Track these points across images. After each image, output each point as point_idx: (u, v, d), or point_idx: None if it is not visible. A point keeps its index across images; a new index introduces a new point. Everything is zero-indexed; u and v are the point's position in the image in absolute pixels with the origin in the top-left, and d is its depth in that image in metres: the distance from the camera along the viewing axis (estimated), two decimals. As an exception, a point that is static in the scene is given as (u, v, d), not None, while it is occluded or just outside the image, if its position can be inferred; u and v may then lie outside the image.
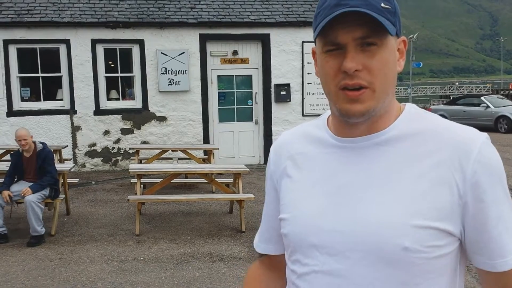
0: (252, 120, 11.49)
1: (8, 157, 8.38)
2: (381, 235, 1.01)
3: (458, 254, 1.07)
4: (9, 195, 5.87)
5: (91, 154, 10.75)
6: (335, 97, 1.06)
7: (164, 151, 9.18)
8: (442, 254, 1.02)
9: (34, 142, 6.30)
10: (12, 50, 10.29)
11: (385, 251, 1.01)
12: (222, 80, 11.32)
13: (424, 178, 1.02)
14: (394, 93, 1.10)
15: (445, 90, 60.67)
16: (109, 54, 10.76)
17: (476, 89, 54.69)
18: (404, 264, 1.01)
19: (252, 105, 11.46)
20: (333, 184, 1.10)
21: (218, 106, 11.34)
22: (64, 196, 6.80)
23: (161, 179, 7.19)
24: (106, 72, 10.74)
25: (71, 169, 7.29)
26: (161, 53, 10.68)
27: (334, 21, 0.99)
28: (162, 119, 10.92)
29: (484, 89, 52.23)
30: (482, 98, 19.78)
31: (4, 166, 6.97)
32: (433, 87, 64.48)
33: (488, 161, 1.02)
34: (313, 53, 1.13)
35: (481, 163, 1.02)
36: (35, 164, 6.20)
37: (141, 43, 10.69)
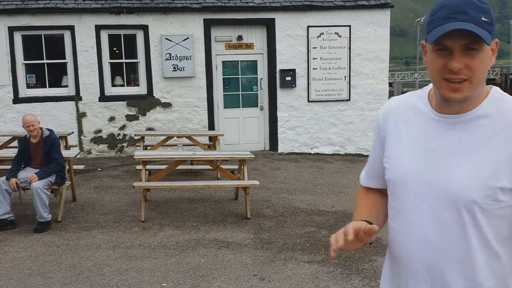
0: (257, 106, 11.45)
1: (14, 144, 8.43)
2: (456, 188, 1.39)
3: None
4: (16, 183, 5.91)
5: (96, 140, 10.78)
6: (440, 85, 1.40)
7: (169, 137, 9.19)
8: (505, 206, 1.38)
9: (41, 129, 6.32)
10: (18, 37, 10.27)
11: (458, 200, 1.39)
12: (227, 65, 11.28)
13: (494, 150, 1.37)
14: (485, 82, 1.43)
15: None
16: (114, 40, 10.72)
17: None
18: (471, 211, 1.38)
19: (257, 91, 11.42)
20: (426, 147, 1.47)
21: (223, 92, 11.31)
22: (70, 182, 6.83)
23: (166, 166, 7.21)
24: (110, 58, 10.71)
25: (77, 155, 7.31)
26: (166, 38, 10.63)
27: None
28: (167, 105, 10.91)
29: (492, 74, 51.71)
30: None
31: (11, 152, 7.02)
32: (440, 71, 63.77)
33: None
34: (423, 46, 1.47)
35: None
36: (41, 151, 6.22)
37: (145, 28, 10.64)
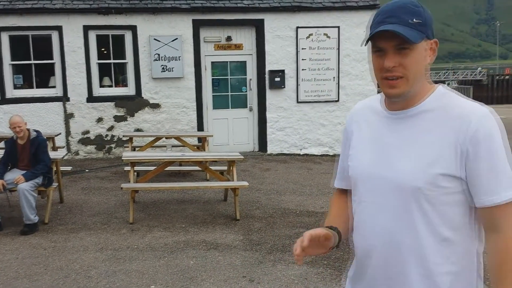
0: (247, 107, 11.43)
1: (1, 145, 8.34)
2: (404, 178, 1.50)
3: (468, 195, 1.50)
4: (2, 184, 5.84)
5: (84, 141, 10.70)
6: (381, 83, 1.54)
7: (158, 138, 9.15)
8: (449, 192, 1.48)
9: (28, 130, 6.25)
10: (5, 37, 10.17)
11: (406, 189, 1.50)
12: (216, 66, 11.25)
13: (437, 140, 1.48)
14: (424, 79, 1.55)
15: (440, 75, 60.63)
16: (102, 41, 10.65)
17: (471, 75, 54.60)
18: (419, 198, 1.49)
19: (246, 91, 11.40)
20: (381, 143, 1.60)
21: (212, 92, 11.27)
22: (57, 184, 6.77)
23: (155, 167, 7.17)
24: (98, 59, 10.64)
25: (64, 156, 7.25)
26: (154, 39, 10.58)
27: (378, 34, 1.47)
28: (156, 106, 10.86)
29: (479, 75, 52.13)
30: None
31: (-3, 154, 6.93)
32: (428, 73, 64.19)
33: (481, 129, 1.45)
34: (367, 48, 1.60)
35: (476, 131, 1.44)
36: (29, 152, 6.16)
37: (133, 29, 10.59)
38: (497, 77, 47.79)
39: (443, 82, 51.48)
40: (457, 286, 1.53)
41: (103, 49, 10.74)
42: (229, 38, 11.10)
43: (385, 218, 1.56)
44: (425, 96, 1.55)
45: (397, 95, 1.52)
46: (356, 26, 11.36)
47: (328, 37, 11.23)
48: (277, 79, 11.19)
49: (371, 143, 1.63)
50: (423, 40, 1.47)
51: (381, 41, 1.48)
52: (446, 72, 63.35)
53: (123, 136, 10.20)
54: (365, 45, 1.54)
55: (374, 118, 1.66)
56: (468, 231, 1.53)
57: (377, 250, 1.58)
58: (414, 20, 1.46)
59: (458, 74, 57.42)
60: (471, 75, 53.93)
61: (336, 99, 11.53)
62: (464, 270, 1.54)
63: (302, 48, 11.18)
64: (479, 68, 58.25)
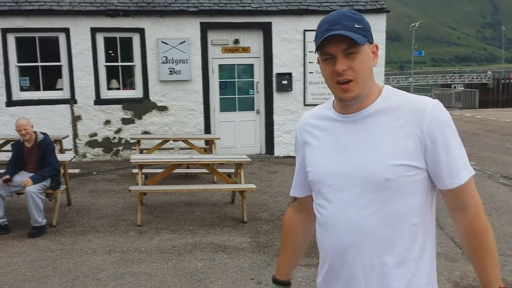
0: (254, 110, 11.41)
1: (8, 147, 8.34)
2: (369, 172, 1.57)
3: (427, 182, 1.61)
4: (6, 179, 5.82)
5: (91, 144, 10.70)
6: (333, 89, 1.62)
7: (165, 141, 9.14)
8: (413, 180, 1.57)
9: (35, 132, 6.24)
10: (11, 39, 10.19)
11: (373, 182, 1.57)
12: (223, 69, 11.24)
13: (396, 134, 1.57)
14: (372, 81, 1.63)
15: (446, 79, 60.43)
16: (109, 43, 10.66)
17: (476, 78, 54.35)
18: (386, 189, 1.56)
19: (253, 94, 11.38)
20: (338, 145, 1.66)
21: (219, 95, 11.26)
22: (65, 186, 6.76)
23: (163, 170, 7.15)
24: (106, 61, 10.65)
25: (71, 159, 7.24)
26: (162, 42, 10.59)
27: (326, 41, 1.55)
28: (163, 108, 10.85)
29: (485, 78, 51.88)
30: None
31: (4, 156, 6.94)
32: (434, 76, 64.08)
33: (436, 117, 1.56)
34: (318, 60, 1.66)
35: (432, 119, 1.55)
36: (36, 155, 6.14)
37: (141, 31, 10.59)
38: (503, 80, 47.55)
39: (449, 85, 51.20)
40: (424, 268, 1.61)
41: (110, 52, 10.75)
42: (236, 41, 11.09)
43: (355, 212, 1.59)
44: (375, 97, 1.63)
45: (351, 98, 1.59)
46: (364, 29, 11.31)
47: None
48: (284, 82, 11.16)
49: (329, 147, 1.68)
50: (366, 44, 1.57)
51: (330, 47, 1.56)
52: (452, 76, 63.16)
53: (131, 138, 10.20)
54: (315, 53, 1.64)
55: (327, 124, 1.71)
56: (429, 215, 1.63)
57: (353, 244, 1.61)
58: (356, 26, 1.55)
59: (464, 78, 57.21)
60: (476, 78, 53.73)
61: (343, 102, 11.47)
62: (427, 251, 1.63)
63: (310, 51, 11.15)
64: (489, 72, 57.90)
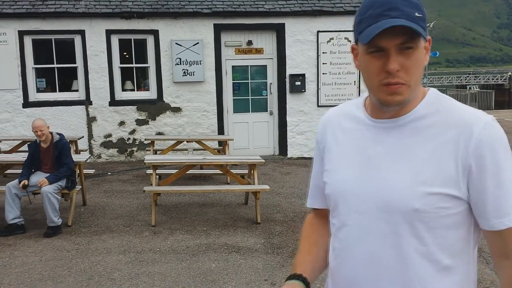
0: (267, 111, 11.42)
1: (25, 147, 8.44)
2: (395, 197, 1.27)
3: (468, 215, 1.28)
4: (24, 184, 5.89)
5: (106, 145, 10.79)
6: (377, 90, 1.28)
7: (179, 142, 9.19)
8: (449, 214, 1.25)
9: (51, 133, 6.32)
10: (28, 41, 10.33)
11: (398, 210, 1.26)
12: (237, 70, 11.26)
13: (434, 153, 1.25)
14: (420, 83, 1.33)
15: (461, 79, 59.89)
16: (124, 45, 10.74)
17: (492, 79, 53.81)
18: (413, 221, 1.25)
19: (267, 95, 11.39)
20: (364, 155, 1.35)
21: (233, 96, 11.29)
22: (80, 187, 6.83)
23: (177, 170, 7.18)
24: (121, 63, 10.74)
25: (87, 160, 7.31)
26: (176, 43, 10.65)
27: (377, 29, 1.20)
28: (177, 110, 10.91)
29: (501, 79, 51.35)
30: None
31: (21, 157, 7.03)
32: (449, 77, 63.57)
33: (488, 138, 1.22)
34: (353, 49, 1.36)
35: (482, 140, 1.22)
36: (52, 155, 6.22)
37: (155, 33, 10.66)
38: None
39: (464, 86, 50.68)
40: None
41: (125, 53, 10.83)
42: (250, 42, 11.12)
43: (372, 244, 1.32)
44: (417, 101, 1.32)
45: (398, 103, 1.27)
46: (378, 30, 11.26)
47: (349, 41, 11.15)
48: (298, 83, 11.16)
49: (352, 156, 1.38)
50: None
51: (382, 39, 1.22)
52: (468, 77, 62.59)
53: (145, 139, 10.25)
54: (365, 43, 1.25)
55: (354, 127, 1.41)
56: (468, 256, 1.32)
57: (363, 281, 1.35)
58: (417, 14, 1.22)
59: (479, 79, 56.66)
60: (492, 79, 53.18)
61: (357, 103, 11.43)
62: None
63: (323, 52, 11.14)
64: (509, 73, 57.10)
